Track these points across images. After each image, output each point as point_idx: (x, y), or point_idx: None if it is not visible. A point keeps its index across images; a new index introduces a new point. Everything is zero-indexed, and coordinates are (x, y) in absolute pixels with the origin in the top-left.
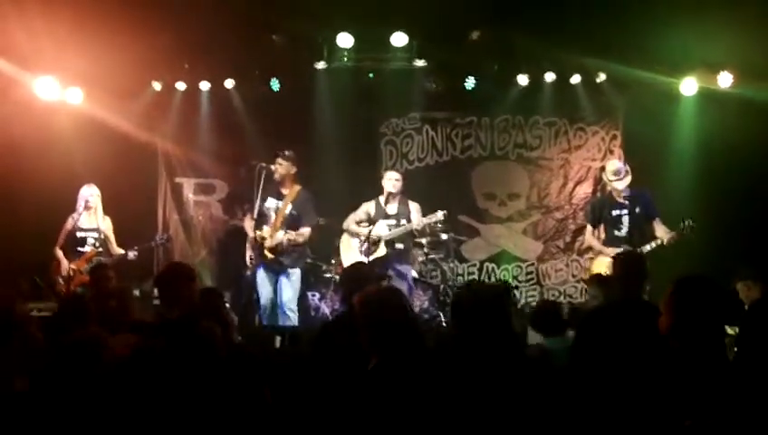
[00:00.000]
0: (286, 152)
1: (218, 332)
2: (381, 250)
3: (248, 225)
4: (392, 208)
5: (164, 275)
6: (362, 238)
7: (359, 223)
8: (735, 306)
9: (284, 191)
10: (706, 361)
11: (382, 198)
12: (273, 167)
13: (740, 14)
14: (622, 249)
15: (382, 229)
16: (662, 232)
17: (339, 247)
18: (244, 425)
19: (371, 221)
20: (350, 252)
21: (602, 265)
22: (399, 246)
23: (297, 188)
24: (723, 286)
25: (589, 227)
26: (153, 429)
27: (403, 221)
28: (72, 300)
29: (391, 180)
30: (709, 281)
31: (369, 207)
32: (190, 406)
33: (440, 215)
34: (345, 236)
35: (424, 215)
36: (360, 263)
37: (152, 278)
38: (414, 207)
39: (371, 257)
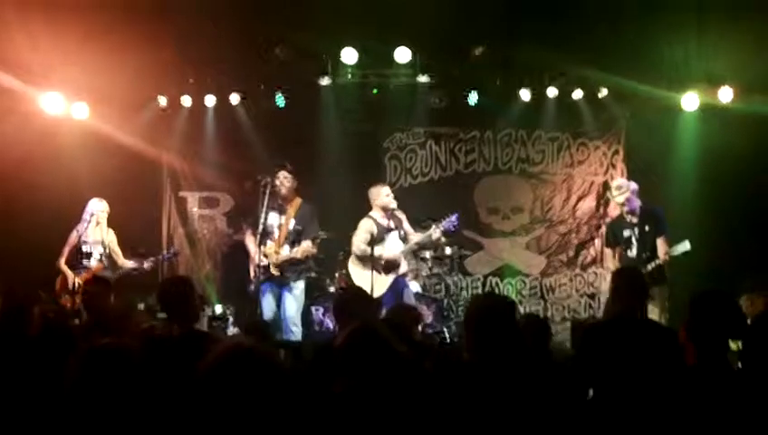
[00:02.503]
0: (288, 166)
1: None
2: (404, 266)
3: (250, 241)
4: (388, 222)
5: (165, 288)
6: (382, 262)
7: (369, 244)
8: (739, 320)
9: (286, 205)
10: (718, 376)
11: (376, 214)
12: (277, 181)
13: (741, 28)
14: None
15: (397, 245)
16: (663, 251)
17: (343, 261)
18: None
19: (375, 239)
20: (368, 276)
21: None
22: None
23: (299, 201)
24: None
25: (608, 251)
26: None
27: (402, 232)
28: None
29: (389, 196)
30: (726, 295)
31: (369, 226)
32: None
33: (454, 218)
34: (355, 260)
35: (423, 230)
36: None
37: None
38: (403, 216)
39: (395, 275)
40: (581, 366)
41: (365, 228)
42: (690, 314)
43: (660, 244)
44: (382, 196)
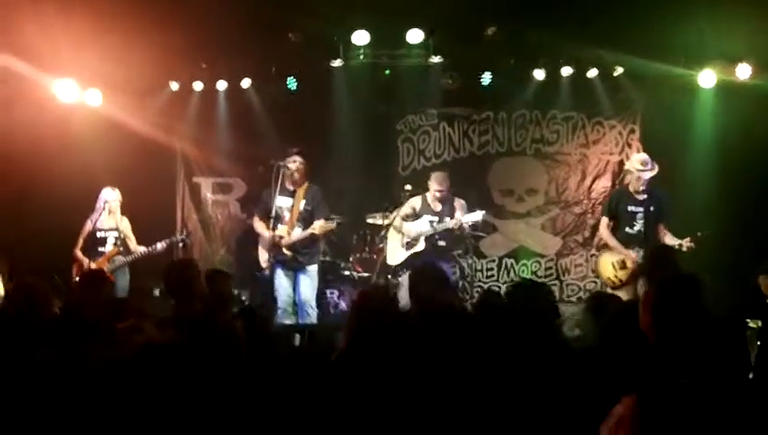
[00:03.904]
0: (296, 149)
1: (239, 325)
2: (420, 245)
3: (259, 225)
4: (438, 206)
5: (170, 274)
6: (403, 235)
7: (405, 218)
8: (757, 300)
9: (295, 188)
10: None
11: (429, 195)
12: (292, 165)
13: (758, 4)
14: (635, 248)
15: (423, 226)
16: (668, 238)
17: (357, 245)
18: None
19: (417, 216)
20: (394, 246)
21: (609, 263)
22: (441, 243)
23: (306, 184)
24: (703, 284)
25: (604, 220)
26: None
27: (447, 219)
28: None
29: (439, 193)
30: (688, 280)
31: (415, 203)
32: (211, 404)
33: (479, 215)
34: (391, 232)
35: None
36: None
37: None
38: (459, 204)
39: (411, 252)
40: (608, 346)
41: (410, 203)
42: (654, 299)
43: (662, 229)
44: (433, 187)
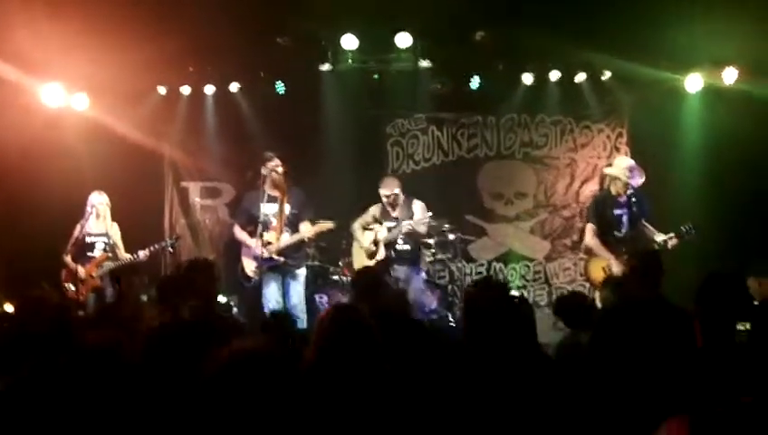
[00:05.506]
0: (271, 154)
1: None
2: (381, 253)
3: (242, 235)
4: (393, 211)
5: (187, 269)
6: (362, 242)
7: (366, 226)
8: (746, 302)
9: (280, 193)
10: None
11: (385, 202)
12: (279, 169)
13: (745, 9)
14: (622, 250)
15: (382, 232)
16: (655, 235)
17: (346, 249)
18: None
19: (379, 224)
20: (359, 254)
21: (600, 267)
22: (405, 247)
23: (288, 187)
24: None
25: (591, 227)
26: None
27: (404, 223)
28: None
29: (388, 199)
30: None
31: (375, 211)
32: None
33: (427, 216)
34: (355, 243)
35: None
36: (371, 268)
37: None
38: (417, 206)
39: (372, 261)
40: (599, 348)
41: (370, 212)
42: (699, 296)
43: (646, 225)
44: (382, 193)
